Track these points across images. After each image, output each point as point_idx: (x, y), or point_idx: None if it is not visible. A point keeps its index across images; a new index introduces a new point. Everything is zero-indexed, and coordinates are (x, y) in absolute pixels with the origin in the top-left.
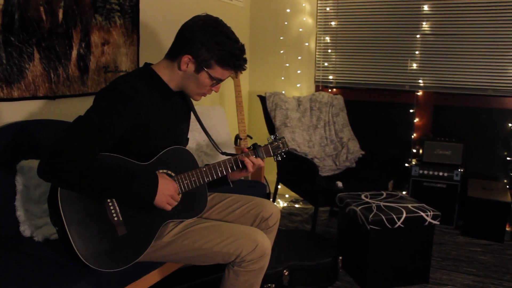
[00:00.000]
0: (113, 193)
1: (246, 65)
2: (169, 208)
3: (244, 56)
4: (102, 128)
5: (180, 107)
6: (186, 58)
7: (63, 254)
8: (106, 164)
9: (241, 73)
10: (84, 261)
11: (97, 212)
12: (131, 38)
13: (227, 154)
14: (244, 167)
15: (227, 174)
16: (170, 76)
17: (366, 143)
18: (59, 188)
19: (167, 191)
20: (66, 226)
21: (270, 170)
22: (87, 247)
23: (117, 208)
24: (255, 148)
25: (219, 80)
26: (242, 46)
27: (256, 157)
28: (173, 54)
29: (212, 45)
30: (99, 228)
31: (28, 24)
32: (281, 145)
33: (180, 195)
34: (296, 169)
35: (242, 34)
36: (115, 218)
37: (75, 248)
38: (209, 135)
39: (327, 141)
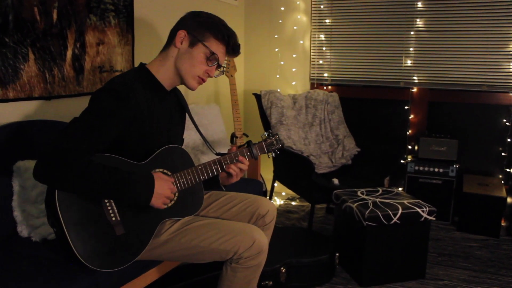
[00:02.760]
0: (110, 195)
1: (239, 50)
2: (163, 207)
3: (237, 39)
4: (98, 129)
5: (174, 107)
6: (182, 33)
7: (61, 254)
8: (102, 166)
9: (235, 71)
10: (83, 261)
11: (94, 212)
12: (126, 37)
13: (221, 154)
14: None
15: (218, 178)
16: (164, 67)
17: (361, 140)
18: (56, 190)
19: (163, 192)
20: (64, 227)
21: (266, 168)
22: (85, 247)
23: (115, 208)
24: (249, 145)
25: (212, 56)
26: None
27: (251, 154)
28: (167, 44)
29: (206, 20)
30: (97, 228)
31: (22, 24)
32: (275, 142)
33: (176, 194)
34: (292, 167)
35: (236, 32)
36: (113, 218)
37: (74, 249)
38: (203, 136)
39: (322, 139)
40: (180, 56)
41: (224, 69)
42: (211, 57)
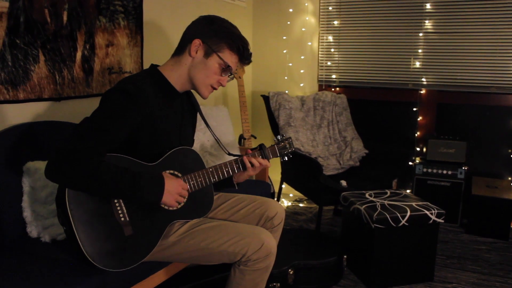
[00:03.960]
0: (120, 194)
1: (251, 58)
2: (176, 205)
3: (249, 48)
4: (108, 129)
5: (186, 109)
6: (197, 41)
7: (70, 254)
8: (112, 166)
9: (243, 72)
10: (91, 261)
11: (104, 212)
12: (135, 39)
13: (233, 155)
14: (245, 169)
15: (233, 176)
16: (177, 73)
17: (369, 142)
18: (66, 189)
19: (174, 189)
20: (73, 226)
21: (274, 169)
22: (94, 247)
23: (124, 208)
24: (261, 148)
25: (227, 68)
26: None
27: (263, 158)
28: (180, 49)
29: (220, 29)
30: (106, 228)
31: (33, 26)
32: (287, 146)
33: (188, 192)
34: (300, 169)
35: (245, 34)
36: (122, 218)
37: (82, 248)
38: (216, 136)
39: (330, 140)
40: (195, 66)
41: (234, 75)
42: (225, 69)
